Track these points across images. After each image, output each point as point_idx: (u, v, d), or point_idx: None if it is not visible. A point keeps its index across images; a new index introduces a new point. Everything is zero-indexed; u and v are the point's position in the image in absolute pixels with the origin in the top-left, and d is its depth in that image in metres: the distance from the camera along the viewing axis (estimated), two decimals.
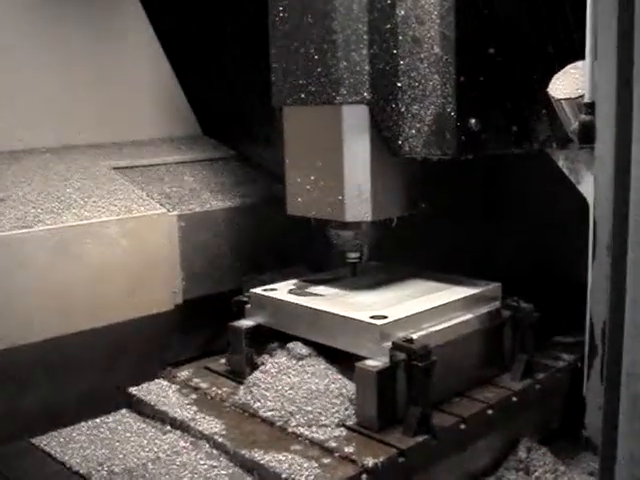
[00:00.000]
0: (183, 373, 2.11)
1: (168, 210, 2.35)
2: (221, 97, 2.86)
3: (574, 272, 2.04)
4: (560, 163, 1.96)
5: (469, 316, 1.95)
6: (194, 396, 1.98)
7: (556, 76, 1.77)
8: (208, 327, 2.42)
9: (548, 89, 1.78)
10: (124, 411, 1.99)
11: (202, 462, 1.69)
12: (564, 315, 2.22)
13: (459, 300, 1.97)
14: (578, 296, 1.99)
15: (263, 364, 1.97)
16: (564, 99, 1.75)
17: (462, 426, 1.80)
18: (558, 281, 2.35)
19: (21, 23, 2.56)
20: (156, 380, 2.07)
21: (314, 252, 2.53)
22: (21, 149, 2.53)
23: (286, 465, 1.60)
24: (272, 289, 2.10)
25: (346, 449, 1.66)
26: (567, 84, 1.74)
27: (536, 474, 1.91)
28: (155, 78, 2.89)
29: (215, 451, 1.73)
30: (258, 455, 1.65)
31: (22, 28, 2.55)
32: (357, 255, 2.08)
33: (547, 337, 2.21)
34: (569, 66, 1.77)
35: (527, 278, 2.27)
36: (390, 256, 2.29)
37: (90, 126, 2.71)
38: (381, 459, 1.62)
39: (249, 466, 1.65)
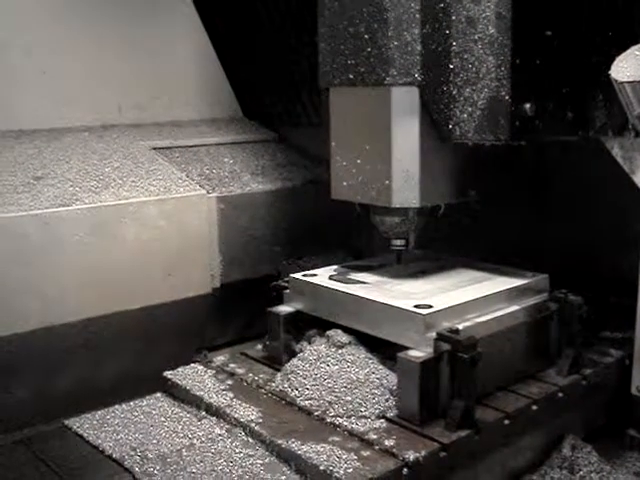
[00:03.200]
0: (219, 358, 2.08)
1: (207, 191, 2.33)
2: (263, 78, 2.83)
3: (625, 266, 1.99)
4: (614, 152, 1.89)
5: (515, 308, 1.89)
6: (230, 382, 1.94)
7: (619, 58, 1.68)
8: (245, 312, 2.41)
9: (610, 71, 1.69)
10: (159, 395, 1.96)
11: (237, 450, 1.65)
12: (612, 310, 2.18)
13: (506, 291, 1.91)
14: (628, 291, 1.93)
15: (301, 351, 1.93)
16: (628, 82, 1.66)
17: (506, 422, 1.74)
18: (607, 275, 2.28)
19: (61, 1, 2.54)
20: (192, 364, 2.04)
21: (355, 238, 2.49)
22: (61, 127, 2.52)
23: (324, 457, 1.56)
24: (312, 274, 2.06)
25: (386, 442, 1.61)
26: (631, 66, 1.65)
27: (581, 473, 1.85)
28: (197, 59, 2.89)
29: (251, 439, 1.69)
30: (295, 445, 1.61)
31: (62, 6, 2.54)
32: (402, 242, 2.02)
33: (594, 332, 2.15)
34: (634, 47, 1.68)
35: (575, 270, 2.21)
36: (435, 244, 2.24)
37: (130, 106, 2.71)
38: (422, 453, 1.57)
39: (286, 456, 1.61)
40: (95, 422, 1.82)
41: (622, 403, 1.98)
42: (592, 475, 1.85)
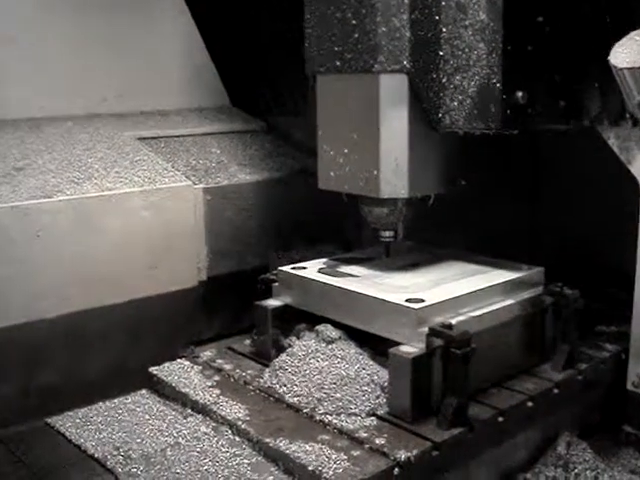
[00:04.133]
0: (206, 353, 2.04)
1: (194, 182, 2.29)
2: (251, 67, 2.79)
3: (620, 259, 1.96)
4: (610, 142, 1.85)
5: (510, 302, 1.86)
6: (217, 378, 1.91)
7: (618, 43, 1.63)
8: (233, 305, 2.37)
9: (609, 57, 1.64)
10: (143, 391, 1.92)
11: (224, 450, 1.61)
12: (608, 304, 2.16)
13: (500, 284, 1.87)
14: (623, 284, 1.91)
15: (290, 346, 1.90)
16: (627, 68, 1.61)
17: (500, 419, 1.70)
18: (602, 268, 2.24)
19: None
20: (178, 360, 2.00)
21: (344, 229, 2.45)
22: (44, 117, 2.46)
23: (313, 456, 1.52)
24: (301, 267, 2.02)
25: (377, 441, 1.57)
26: (631, 52, 1.60)
27: (576, 471, 1.82)
28: (183, 47, 2.83)
29: (238, 438, 1.65)
30: (283, 444, 1.57)
31: None
32: (391, 234, 1.98)
33: (590, 326, 2.11)
34: (633, 32, 1.63)
35: (570, 262, 2.17)
36: (425, 236, 2.19)
37: (115, 95, 2.66)
38: (414, 452, 1.53)
39: (273, 456, 1.57)
40: (78, 420, 1.79)
41: (617, 399, 1.95)
42: (587, 473, 1.81)
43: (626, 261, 1.88)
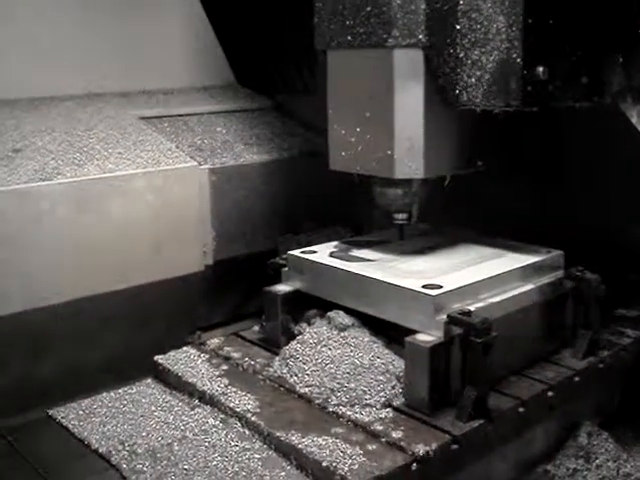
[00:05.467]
0: (213, 341, 1.98)
1: (199, 163, 2.23)
2: (257, 44, 2.74)
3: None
4: (634, 120, 1.78)
5: (530, 287, 1.79)
6: (225, 367, 1.84)
7: None
8: (240, 290, 2.33)
9: None
10: (149, 381, 1.87)
11: (233, 444, 1.54)
12: (627, 286, 2.08)
13: (519, 269, 1.81)
14: None
15: (300, 334, 1.84)
16: None
17: (521, 409, 1.64)
18: (621, 249, 2.17)
19: None
20: (184, 348, 1.94)
21: (355, 211, 2.40)
22: (43, 96, 2.41)
23: (327, 451, 1.45)
24: (312, 251, 1.96)
25: (393, 434, 1.50)
26: None
27: (597, 462, 1.78)
28: (188, 23, 2.78)
29: (247, 431, 1.59)
30: (295, 438, 1.50)
31: None
32: (405, 216, 1.91)
33: (609, 310, 2.04)
34: None
35: (586, 245, 2.10)
36: (438, 217, 2.12)
37: (117, 73, 2.60)
38: (433, 447, 1.46)
39: (285, 450, 1.50)
40: (81, 412, 1.73)
41: (636, 386, 1.92)
42: (609, 464, 1.78)
43: None
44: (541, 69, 1.63)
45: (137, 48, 2.62)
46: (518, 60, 1.62)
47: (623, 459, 1.78)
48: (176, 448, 1.53)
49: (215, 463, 1.48)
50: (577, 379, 1.77)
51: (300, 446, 1.47)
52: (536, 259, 1.85)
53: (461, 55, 1.68)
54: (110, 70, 2.57)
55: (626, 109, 1.78)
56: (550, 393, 1.70)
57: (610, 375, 1.88)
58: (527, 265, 1.82)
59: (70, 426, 1.66)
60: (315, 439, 1.49)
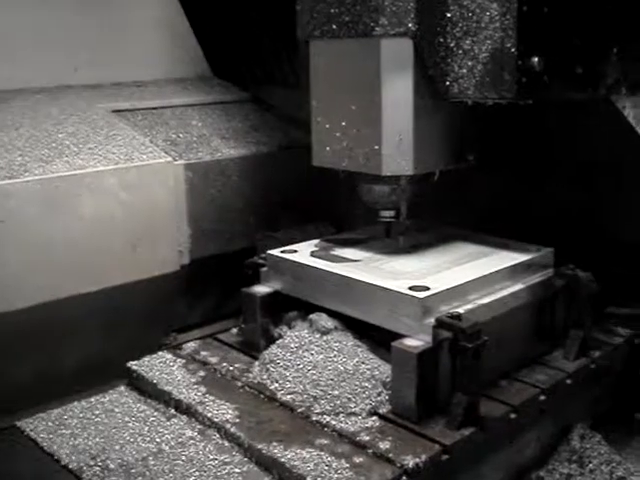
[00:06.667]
0: (190, 345, 1.91)
1: (174, 158, 2.17)
2: (234, 34, 2.70)
3: (630, 234, 1.91)
4: (626, 112, 1.74)
5: (520, 286, 1.74)
6: (202, 373, 1.77)
7: None
8: (217, 290, 2.29)
9: None
10: (122, 389, 1.79)
11: (211, 457, 1.47)
12: (617, 283, 2.02)
13: (508, 268, 1.76)
14: (634, 261, 1.89)
15: (281, 337, 1.78)
16: None
17: (512, 415, 1.58)
18: (611, 244, 2.13)
19: None
20: (159, 353, 1.88)
21: (337, 207, 2.36)
22: (9, 89, 2.34)
23: (311, 465, 1.39)
24: (292, 250, 1.90)
25: (381, 445, 1.44)
26: None
27: (590, 466, 1.74)
28: (161, 12, 2.72)
29: (227, 443, 1.52)
30: (278, 450, 1.43)
31: None
32: (392, 214, 1.85)
33: (599, 307, 1.98)
34: None
35: (575, 240, 2.06)
36: (421, 213, 2.07)
37: (87, 64, 2.53)
38: (422, 458, 1.40)
39: (267, 463, 1.43)
40: (50, 423, 1.65)
41: (631, 386, 1.90)
42: (602, 467, 1.74)
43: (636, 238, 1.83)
44: (536, 59, 1.58)
45: (109, 39, 2.56)
46: (512, 50, 1.57)
47: (616, 462, 1.75)
48: (151, 463, 1.46)
49: (193, 479, 1.41)
50: (569, 382, 1.72)
51: (283, 459, 1.41)
52: (525, 257, 1.80)
53: (452, 45, 1.64)
54: (80, 61, 2.51)
55: (618, 101, 1.74)
56: (542, 397, 1.65)
57: (602, 376, 1.84)
58: (517, 264, 1.77)
59: (39, 439, 1.58)
60: (298, 451, 1.43)
